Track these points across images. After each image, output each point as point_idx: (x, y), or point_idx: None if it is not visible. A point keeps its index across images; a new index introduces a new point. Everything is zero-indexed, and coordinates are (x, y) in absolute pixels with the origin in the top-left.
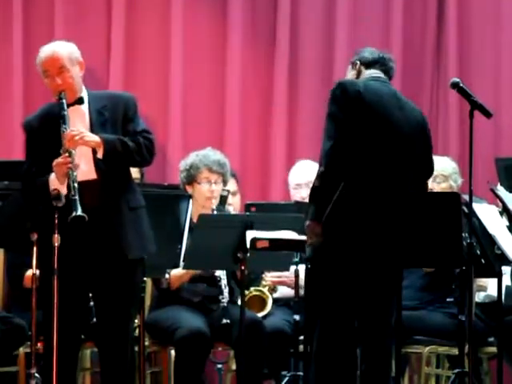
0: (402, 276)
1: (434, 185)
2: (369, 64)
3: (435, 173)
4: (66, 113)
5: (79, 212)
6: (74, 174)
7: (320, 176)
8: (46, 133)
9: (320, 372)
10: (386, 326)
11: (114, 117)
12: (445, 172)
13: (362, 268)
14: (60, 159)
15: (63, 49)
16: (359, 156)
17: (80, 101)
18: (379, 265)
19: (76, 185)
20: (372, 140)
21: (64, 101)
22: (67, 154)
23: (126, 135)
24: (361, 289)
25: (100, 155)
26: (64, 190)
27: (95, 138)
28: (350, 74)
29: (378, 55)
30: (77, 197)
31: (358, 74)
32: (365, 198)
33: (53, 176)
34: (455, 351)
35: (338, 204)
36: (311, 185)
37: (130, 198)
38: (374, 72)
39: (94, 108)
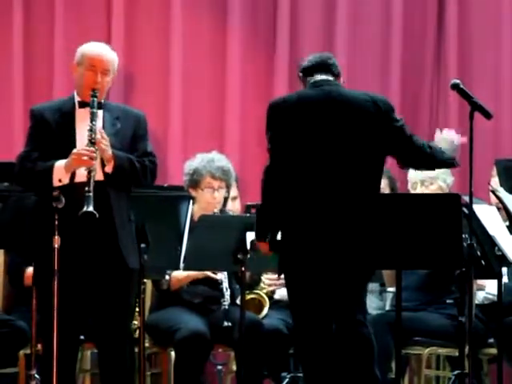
0: (367, 277)
1: (423, 189)
2: (308, 71)
3: (422, 176)
4: (95, 110)
5: (91, 208)
6: (96, 171)
7: (261, 196)
8: (57, 127)
9: (304, 371)
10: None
11: (125, 130)
12: (431, 174)
13: (321, 271)
14: (83, 151)
15: (113, 55)
16: (295, 170)
17: (100, 105)
18: (332, 266)
19: (93, 182)
20: (304, 153)
21: (96, 99)
22: (94, 149)
23: (133, 152)
24: (322, 291)
25: (109, 170)
26: (66, 180)
27: (110, 152)
28: (301, 88)
29: (315, 59)
30: (91, 194)
31: (304, 84)
32: (304, 207)
33: (59, 163)
34: (455, 352)
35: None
36: None
37: (128, 210)
38: (315, 77)
39: (109, 117)
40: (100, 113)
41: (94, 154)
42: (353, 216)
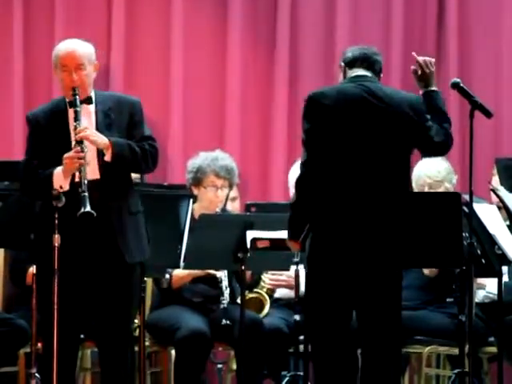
0: (400, 276)
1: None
2: (351, 63)
3: (429, 180)
4: (78, 109)
5: (88, 208)
6: (85, 170)
7: (294, 193)
8: (52, 128)
9: (317, 374)
10: (389, 328)
11: (120, 119)
12: (438, 177)
13: (351, 270)
14: (72, 153)
15: (83, 47)
16: (332, 165)
17: (89, 100)
18: (368, 266)
19: (86, 181)
20: (343, 150)
21: (77, 97)
22: (79, 149)
23: (131, 139)
24: (354, 291)
25: (108, 158)
26: (67, 186)
27: (105, 140)
28: (340, 77)
29: (359, 52)
30: (86, 193)
31: (344, 75)
32: (342, 205)
33: (58, 170)
34: (455, 351)
35: (319, 217)
36: None
37: (130, 203)
38: (355, 71)
39: (101, 109)
40: (92, 107)
41: (82, 154)
42: (389, 215)
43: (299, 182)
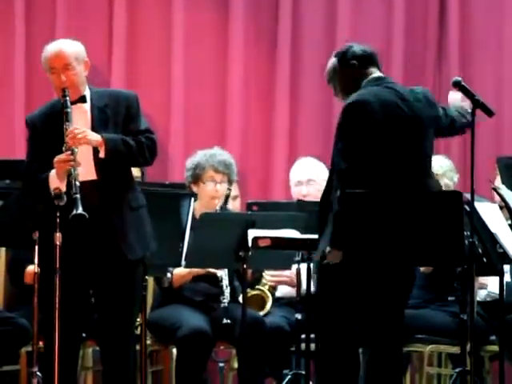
0: (412, 276)
1: None
2: (364, 62)
3: None
4: (69, 110)
5: (80, 210)
6: (76, 172)
7: (338, 200)
8: (48, 130)
9: (323, 372)
10: (398, 328)
11: (116, 115)
12: (438, 171)
13: (375, 271)
14: (62, 156)
15: (70, 47)
16: (375, 173)
17: (83, 99)
18: (394, 268)
19: (77, 183)
20: (386, 156)
21: (67, 98)
22: (69, 152)
23: (127, 134)
24: (373, 291)
25: (102, 155)
26: (63, 188)
27: (97, 137)
28: (348, 75)
29: (367, 51)
30: (78, 195)
31: (359, 74)
32: (383, 208)
33: (53, 173)
34: (457, 350)
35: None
36: (312, 182)
37: (131, 199)
38: (372, 71)
39: (96, 106)
40: (87, 105)
41: (71, 157)
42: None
43: (343, 195)
